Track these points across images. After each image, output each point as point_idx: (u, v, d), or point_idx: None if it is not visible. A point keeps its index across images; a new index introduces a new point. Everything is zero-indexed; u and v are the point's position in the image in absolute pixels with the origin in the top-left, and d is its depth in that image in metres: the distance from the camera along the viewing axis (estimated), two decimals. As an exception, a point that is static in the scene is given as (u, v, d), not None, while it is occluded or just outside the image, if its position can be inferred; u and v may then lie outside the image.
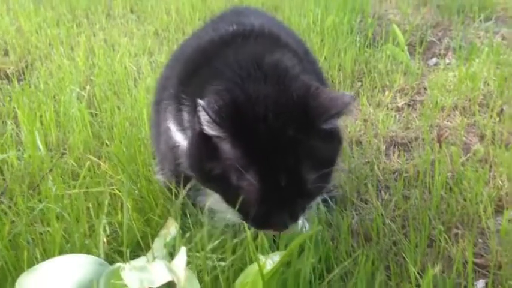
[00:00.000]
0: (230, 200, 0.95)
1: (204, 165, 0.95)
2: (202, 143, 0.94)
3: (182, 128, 1.05)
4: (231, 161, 0.89)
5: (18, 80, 2.02)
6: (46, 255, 1.02)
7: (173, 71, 1.17)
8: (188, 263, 0.88)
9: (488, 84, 1.99)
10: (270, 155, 0.88)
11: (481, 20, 2.68)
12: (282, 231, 0.96)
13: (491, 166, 1.51)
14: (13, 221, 1.13)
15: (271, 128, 0.89)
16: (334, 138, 0.98)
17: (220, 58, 1.01)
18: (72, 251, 1.03)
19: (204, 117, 0.89)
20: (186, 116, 1.03)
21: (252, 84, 0.93)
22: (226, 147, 0.91)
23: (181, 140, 1.07)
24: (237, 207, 0.91)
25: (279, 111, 0.90)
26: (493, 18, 2.74)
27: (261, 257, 0.83)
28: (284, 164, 0.88)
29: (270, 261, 0.81)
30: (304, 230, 1.17)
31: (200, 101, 0.87)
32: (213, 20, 1.31)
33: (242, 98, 0.91)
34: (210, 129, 0.90)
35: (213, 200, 1.00)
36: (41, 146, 1.44)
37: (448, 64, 2.27)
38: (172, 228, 1.06)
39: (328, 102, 0.91)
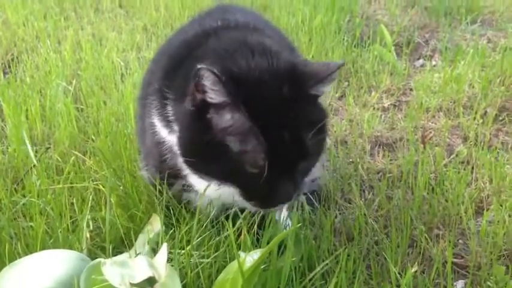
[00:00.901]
0: (232, 175, 0.95)
1: (200, 144, 0.95)
2: (196, 120, 0.95)
3: (167, 124, 1.05)
4: (232, 128, 0.91)
5: (4, 73, 2.00)
6: (28, 250, 1.02)
7: (157, 65, 1.17)
8: (170, 259, 0.88)
9: (472, 87, 2.01)
10: (271, 115, 0.91)
11: (467, 23, 2.71)
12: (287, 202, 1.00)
13: (473, 168, 1.53)
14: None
15: (267, 90, 0.93)
16: (322, 107, 1.04)
17: (204, 46, 1.03)
18: (55, 246, 1.03)
19: (207, 81, 0.90)
20: (170, 109, 1.04)
21: (241, 57, 0.96)
22: (227, 115, 0.92)
23: (166, 135, 1.07)
24: (241, 182, 0.94)
25: (271, 77, 0.94)
26: (479, 21, 2.77)
27: (242, 254, 0.84)
28: (284, 122, 0.92)
29: (250, 258, 0.81)
30: (287, 228, 1.18)
31: (201, 65, 0.89)
32: (199, 16, 1.31)
33: (234, 67, 0.94)
34: (214, 94, 0.91)
35: (209, 190, 1.01)
36: (26, 141, 1.42)
37: (434, 66, 2.30)
38: (155, 225, 1.07)
39: (316, 68, 0.97)
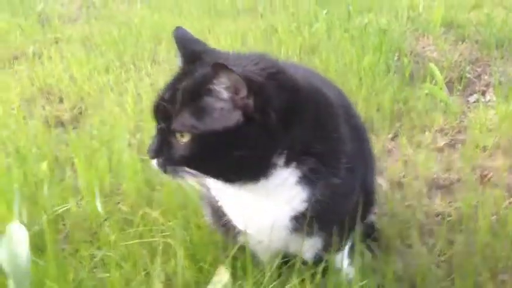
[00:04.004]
0: None
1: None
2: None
3: None
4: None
5: (73, 127, 2.15)
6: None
7: None
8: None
9: (530, 123, 1.98)
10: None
11: (521, 55, 2.67)
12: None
13: (536, 209, 1.50)
14: (75, 268, 1.21)
15: None
16: None
17: None
18: (130, 298, 1.10)
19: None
20: None
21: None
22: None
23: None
24: None
25: None
26: (533, 53, 2.73)
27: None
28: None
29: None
30: (348, 276, 1.21)
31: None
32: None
33: None
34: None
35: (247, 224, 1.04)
36: (97, 195, 1.52)
37: (488, 101, 2.28)
38: (223, 276, 1.12)
39: None
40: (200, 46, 1.04)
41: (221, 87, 0.89)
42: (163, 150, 0.96)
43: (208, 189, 1.11)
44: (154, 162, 0.98)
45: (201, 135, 0.91)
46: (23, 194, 1.51)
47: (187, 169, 0.95)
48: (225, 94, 0.89)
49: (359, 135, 1.16)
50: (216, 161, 0.93)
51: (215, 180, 0.98)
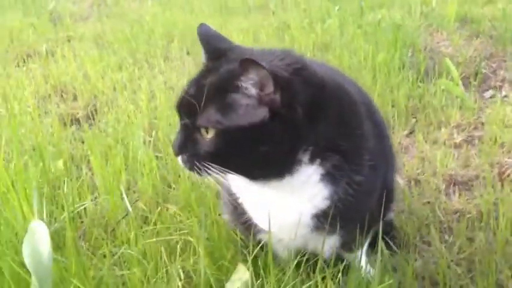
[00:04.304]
0: None
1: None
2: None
3: None
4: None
5: (88, 125, 2.16)
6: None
7: None
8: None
9: (549, 118, 1.96)
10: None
11: (537, 50, 2.64)
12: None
13: (557, 206, 1.48)
14: (95, 265, 1.22)
15: None
16: None
17: None
18: (151, 295, 1.10)
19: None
20: None
21: None
22: None
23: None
24: None
25: None
26: (549, 47, 2.69)
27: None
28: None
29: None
30: (368, 275, 1.20)
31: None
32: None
33: None
34: None
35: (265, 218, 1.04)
36: (123, 192, 1.52)
37: (504, 97, 2.25)
38: (243, 274, 1.12)
39: None
40: (225, 43, 1.04)
41: (249, 83, 0.89)
42: (187, 146, 0.96)
43: (228, 186, 1.11)
44: (179, 159, 0.98)
45: (226, 131, 0.91)
46: (41, 192, 1.53)
47: (212, 165, 0.94)
48: (253, 90, 0.89)
49: (380, 131, 1.15)
50: (241, 157, 0.93)
51: (241, 177, 0.98)
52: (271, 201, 1.03)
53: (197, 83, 0.96)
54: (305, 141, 0.94)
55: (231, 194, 1.13)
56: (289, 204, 1.02)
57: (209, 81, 0.94)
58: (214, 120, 0.91)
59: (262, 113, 0.90)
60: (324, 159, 0.96)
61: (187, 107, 0.94)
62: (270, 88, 0.88)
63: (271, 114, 0.90)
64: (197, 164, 0.95)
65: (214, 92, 0.92)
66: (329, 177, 0.98)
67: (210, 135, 0.92)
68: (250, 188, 1.04)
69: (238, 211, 1.14)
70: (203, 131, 0.93)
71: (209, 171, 0.95)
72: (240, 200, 1.11)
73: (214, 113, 0.91)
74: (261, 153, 0.92)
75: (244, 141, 0.91)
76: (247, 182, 0.99)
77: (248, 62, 0.86)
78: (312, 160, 0.96)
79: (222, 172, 0.95)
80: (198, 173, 0.96)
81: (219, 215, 1.39)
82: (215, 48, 1.01)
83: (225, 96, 0.91)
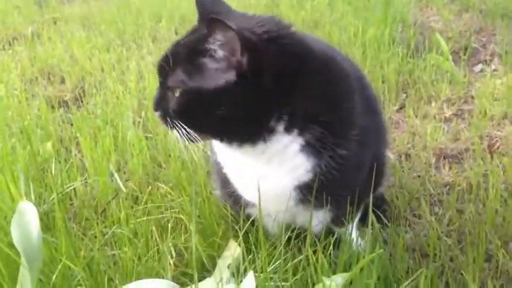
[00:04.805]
0: None
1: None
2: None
3: None
4: None
5: (77, 107, 2.13)
6: (119, 277, 1.09)
7: None
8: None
9: (538, 91, 1.96)
10: None
11: (526, 24, 2.63)
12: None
13: (546, 176, 1.49)
14: (85, 246, 1.21)
15: None
16: None
17: None
18: (142, 274, 1.10)
19: None
20: None
21: None
22: None
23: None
24: None
25: None
26: (539, 21, 2.68)
27: (325, 279, 0.87)
28: None
29: (334, 284, 0.84)
30: (359, 247, 1.21)
31: None
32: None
33: None
34: None
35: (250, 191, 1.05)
36: (114, 172, 1.52)
37: (494, 70, 2.25)
38: (234, 250, 1.12)
39: None
40: (218, 7, 1.03)
41: (216, 44, 0.90)
42: (162, 103, 0.99)
43: (216, 156, 1.11)
44: (156, 114, 1.01)
45: (189, 92, 0.93)
46: (30, 174, 1.51)
47: (181, 124, 0.96)
48: (221, 52, 0.90)
49: (372, 107, 1.14)
50: (205, 118, 0.95)
51: (207, 137, 1.01)
52: (254, 171, 1.02)
53: (177, 44, 0.99)
54: (277, 110, 0.94)
55: (217, 163, 1.14)
56: (271, 175, 1.02)
57: (183, 42, 0.96)
58: (180, 80, 0.93)
59: (229, 76, 0.90)
60: (303, 129, 0.96)
61: (163, 67, 0.97)
62: (238, 51, 0.88)
63: (238, 78, 0.90)
64: (169, 121, 0.98)
65: (185, 53, 0.94)
66: (310, 148, 0.98)
67: (176, 94, 0.94)
68: (234, 158, 1.04)
69: (225, 183, 1.14)
70: (173, 90, 0.95)
71: (178, 129, 0.97)
72: (224, 170, 1.11)
73: (181, 73, 0.93)
74: (225, 116, 0.93)
75: (207, 103, 0.93)
76: (222, 146, 1.01)
77: (215, 22, 0.87)
78: (288, 129, 0.96)
79: (189, 132, 0.96)
80: (170, 130, 0.99)
81: (210, 193, 1.39)
82: (205, 10, 1.01)
83: (194, 57, 0.93)
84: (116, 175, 1.48)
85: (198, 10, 1.03)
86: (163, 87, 0.98)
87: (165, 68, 0.96)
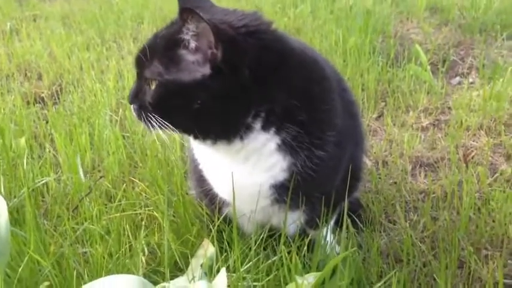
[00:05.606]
0: None
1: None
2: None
3: None
4: None
5: (53, 104, 2.10)
6: (90, 274, 1.07)
7: None
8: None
9: (513, 104, 2.00)
10: None
11: (503, 39, 2.69)
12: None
13: (518, 186, 1.52)
14: (56, 242, 1.18)
15: None
16: None
17: None
18: (113, 271, 1.08)
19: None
20: None
21: None
22: None
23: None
24: None
25: None
26: (515, 37, 2.75)
27: (297, 278, 0.86)
28: None
29: (306, 282, 0.84)
30: (334, 252, 1.20)
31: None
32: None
33: None
34: None
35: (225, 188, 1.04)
36: (80, 168, 1.49)
37: (471, 83, 2.29)
38: (208, 249, 1.10)
39: None
40: (201, 2, 1.02)
41: (189, 35, 0.89)
42: (138, 96, 0.97)
43: (193, 153, 1.10)
44: (131, 108, 1.00)
45: (165, 84, 0.92)
46: (1, 168, 1.48)
47: (156, 118, 0.95)
48: (193, 44, 0.89)
49: (350, 109, 1.14)
50: (180, 112, 0.93)
51: (182, 133, 0.99)
52: (229, 169, 1.01)
53: (155, 35, 0.98)
54: (254, 107, 0.93)
55: (194, 160, 1.12)
56: (247, 174, 1.01)
57: (162, 34, 0.95)
58: (157, 72, 0.92)
59: (205, 70, 0.89)
60: (280, 128, 0.96)
61: (140, 58, 0.96)
62: (212, 42, 0.88)
63: (213, 71, 0.89)
64: (143, 115, 0.96)
65: (162, 45, 0.93)
66: (287, 147, 0.97)
67: (153, 86, 0.93)
68: (211, 155, 1.03)
69: (202, 181, 1.13)
70: (149, 82, 0.94)
71: (153, 123, 0.95)
72: (200, 167, 1.10)
73: (158, 65, 0.92)
74: (201, 111, 0.91)
75: (183, 96, 0.91)
76: (197, 142, 1.00)
77: (187, 12, 0.86)
78: (265, 127, 0.95)
79: (164, 126, 0.95)
80: (145, 124, 0.97)
81: (186, 193, 1.38)
82: (187, 4, 1.00)
83: (170, 49, 0.92)
84: (81, 171, 1.45)
85: (179, 5, 1.02)
86: (140, 79, 0.97)
87: (142, 60, 0.95)
